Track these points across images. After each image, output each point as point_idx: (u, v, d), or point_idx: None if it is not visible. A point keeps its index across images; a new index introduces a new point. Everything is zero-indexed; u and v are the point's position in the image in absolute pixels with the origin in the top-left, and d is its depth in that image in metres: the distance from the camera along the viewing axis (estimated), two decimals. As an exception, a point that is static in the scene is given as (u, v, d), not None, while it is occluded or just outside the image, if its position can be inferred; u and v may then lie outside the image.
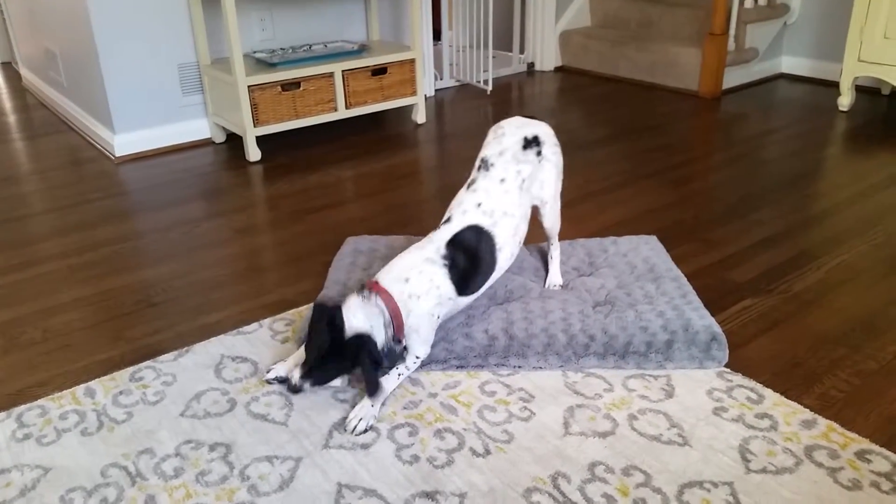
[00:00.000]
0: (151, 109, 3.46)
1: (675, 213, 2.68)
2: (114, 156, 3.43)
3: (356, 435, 1.60)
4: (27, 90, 4.88)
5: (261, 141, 3.37)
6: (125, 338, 2.00)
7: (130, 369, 1.85)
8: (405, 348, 1.75)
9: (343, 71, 3.43)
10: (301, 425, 1.63)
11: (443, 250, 1.77)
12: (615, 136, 3.57)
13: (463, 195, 1.89)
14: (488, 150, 1.94)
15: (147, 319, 2.09)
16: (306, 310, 2.06)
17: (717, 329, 1.82)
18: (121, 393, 1.76)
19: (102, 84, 3.32)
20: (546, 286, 2.09)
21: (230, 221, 2.73)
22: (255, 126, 3.27)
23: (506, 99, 4.32)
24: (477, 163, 1.94)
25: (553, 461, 1.51)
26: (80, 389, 1.78)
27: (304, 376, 1.67)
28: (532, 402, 1.68)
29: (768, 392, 1.69)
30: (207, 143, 3.61)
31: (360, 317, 1.64)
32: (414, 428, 1.62)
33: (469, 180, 1.92)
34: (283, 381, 1.77)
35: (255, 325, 2.02)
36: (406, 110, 3.94)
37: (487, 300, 2.02)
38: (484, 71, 4.46)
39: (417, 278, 1.73)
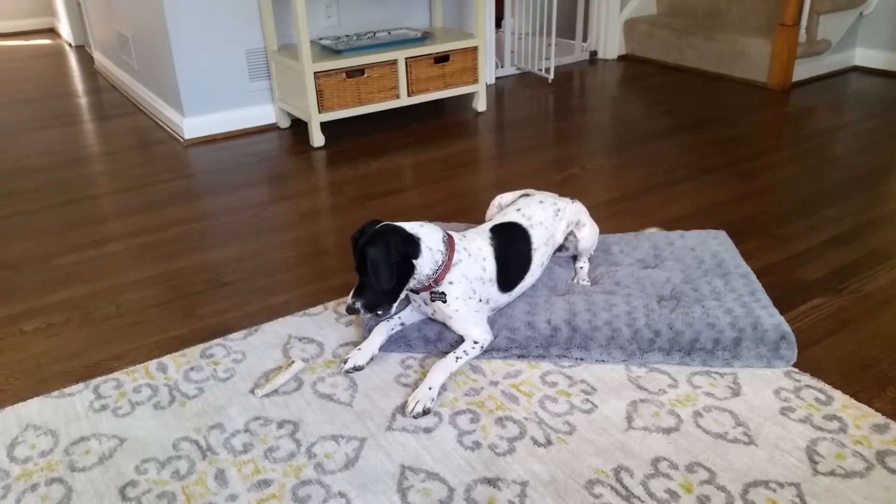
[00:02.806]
0: (220, 94, 3.54)
1: (742, 207, 2.62)
2: (183, 138, 3.52)
3: (413, 417, 1.62)
4: (99, 73, 5.04)
5: (324, 127, 3.42)
6: (196, 315, 2.06)
7: (201, 346, 1.91)
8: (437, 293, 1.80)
9: (406, 58, 3.45)
10: (365, 406, 1.67)
11: (488, 233, 1.90)
12: (680, 128, 3.51)
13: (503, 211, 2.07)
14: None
15: (217, 298, 2.15)
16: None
17: (787, 328, 1.78)
18: (192, 369, 1.82)
19: (173, 68, 3.41)
20: (575, 281, 2.09)
21: (295, 205, 2.78)
22: (319, 112, 3.31)
23: (567, 88, 4.28)
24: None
25: (615, 454, 1.51)
26: (152, 364, 1.84)
27: (354, 294, 1.72)
28: (594, 395, 1.68)
29: (837, 393, 1.65)
30: (273, 128, 3.67)
31: (415, 228, 1.74)
32: (475, 415, 1.63)
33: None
34: (360, 369, 1.79)
35: (319, 308, 2.06)
36: (466, 98, 3.94)
37: (548, 291, 2.02)
38: (546, 59, 4.42)
39: (471, 242, 1.84)
